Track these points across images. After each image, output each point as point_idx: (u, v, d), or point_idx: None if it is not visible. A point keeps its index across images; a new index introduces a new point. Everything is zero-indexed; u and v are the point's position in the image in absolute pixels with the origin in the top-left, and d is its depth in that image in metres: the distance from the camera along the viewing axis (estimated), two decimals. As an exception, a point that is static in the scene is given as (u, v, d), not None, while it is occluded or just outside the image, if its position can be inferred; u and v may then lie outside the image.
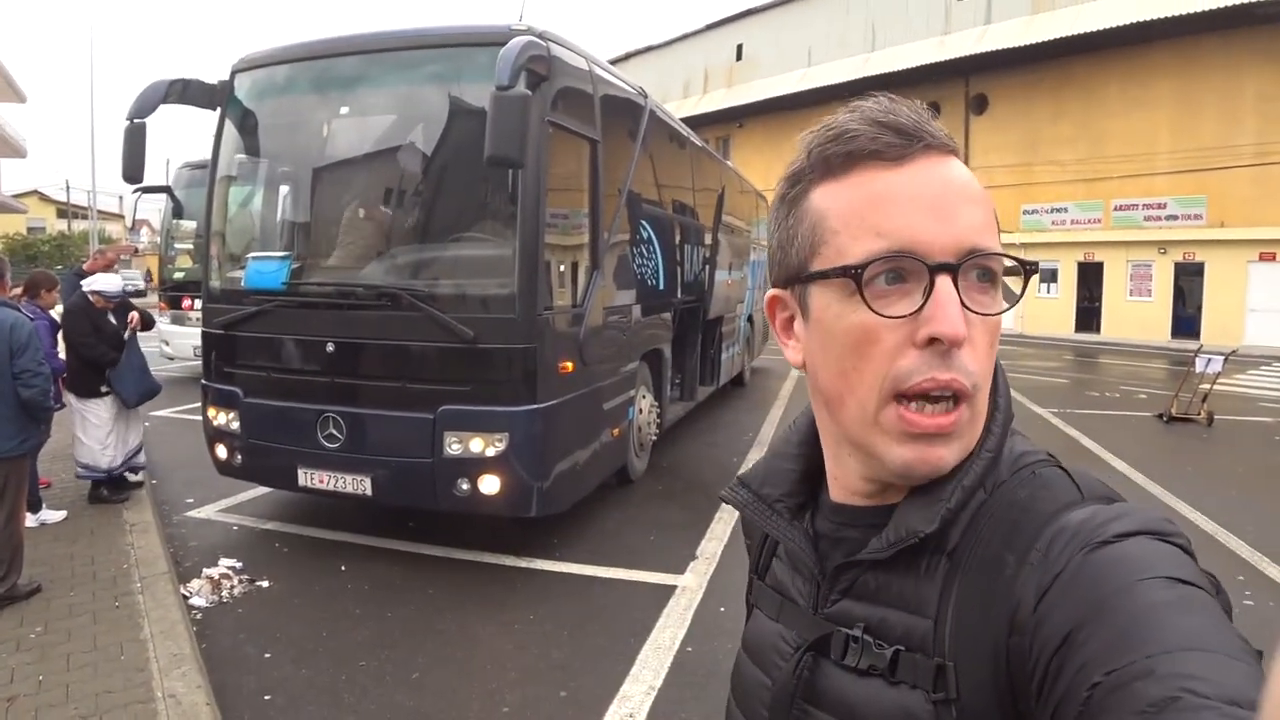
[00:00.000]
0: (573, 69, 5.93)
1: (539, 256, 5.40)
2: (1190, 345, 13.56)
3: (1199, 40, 25.78)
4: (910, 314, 0.76)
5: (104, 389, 6.70)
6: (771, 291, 0.90)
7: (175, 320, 13.78)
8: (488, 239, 5.74)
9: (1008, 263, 0.79)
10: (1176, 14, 24.80)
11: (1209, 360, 12.14)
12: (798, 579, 0.93)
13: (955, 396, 0.76)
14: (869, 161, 0.79)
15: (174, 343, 13.69)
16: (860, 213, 0.78)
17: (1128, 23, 25.74)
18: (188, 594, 5.21)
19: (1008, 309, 0.80)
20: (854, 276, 0.77)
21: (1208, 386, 12.22)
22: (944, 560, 0.79)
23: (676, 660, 4.52)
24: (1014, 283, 0.82)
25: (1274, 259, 24.80)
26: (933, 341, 0.75)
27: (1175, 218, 27.12)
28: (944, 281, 0.75)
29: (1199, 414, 12.07)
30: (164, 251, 14.88)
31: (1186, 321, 26.56)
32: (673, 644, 4.70)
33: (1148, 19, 25.31)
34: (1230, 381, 15.75)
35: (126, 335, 6.82)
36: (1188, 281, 27.03)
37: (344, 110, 6.14)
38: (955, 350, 0.75)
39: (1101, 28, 26.38)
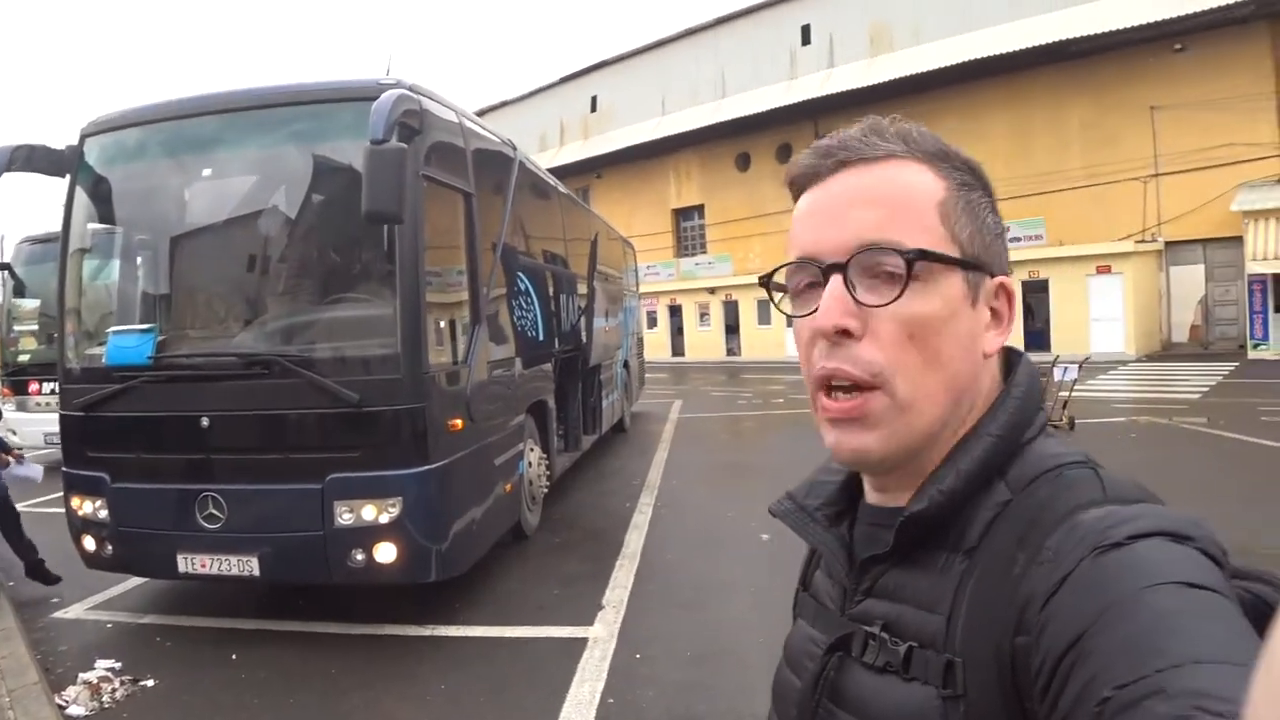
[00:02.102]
0: (444, 122, 5.86)
1: (421, 313, 5.26)
2: (1044, 357, 14.32)
3: (1026, 75, 27.83)
4: (811, 311, 0.84)
5: None
6: None
7: (20, 407, 12.82)
8: (367, 298, 5.56)
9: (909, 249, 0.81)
10: (1001, 52, 26.77)
11: (1066, 369, 12.85)
12: (829, 584, 0.96)
13: (856, 385, 0.81)
14: (804, 185, 0.90)
15: (21, 430, 12.71)
16: (791, 231, 0.90)
17: (959, 61, 27.61)
18: (64, 703, 4.73)
19: (890, 302, 0.80)
20: (762, 284, 0.92)
21: (1066, 394, 12.92)
22: (962, 559, 0.80)
23: (600, 714, 4.40)
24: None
25: (1109, 271, 26.62)
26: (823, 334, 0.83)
27: (1018, 239, 28.74)
28: (832, 280, 0.82)
29: (1061, 420, 12.73)
30: (4, 333, 13.90)
31: (1036, 335, 28.07)
32: (593, 697, 4.58)
33: (977, 57, 27.24)
34: (1084, 388, 16.73)
35: None
36: (1034, 298, 28.67)
37: (206, 173, 5.85)
38: (845, 340, 0.81)
39: (936, 67, 28.20)
